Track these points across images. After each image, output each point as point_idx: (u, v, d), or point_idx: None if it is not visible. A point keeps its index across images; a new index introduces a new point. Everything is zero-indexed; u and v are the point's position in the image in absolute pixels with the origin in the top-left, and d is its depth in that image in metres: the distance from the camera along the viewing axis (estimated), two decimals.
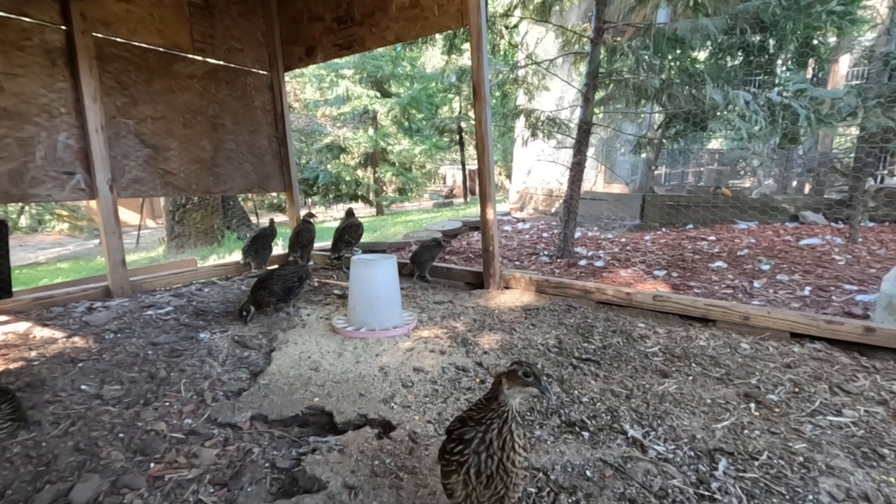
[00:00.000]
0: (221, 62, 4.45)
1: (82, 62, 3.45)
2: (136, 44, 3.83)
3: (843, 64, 8.29)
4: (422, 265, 4.06)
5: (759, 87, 7.37)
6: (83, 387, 2.16)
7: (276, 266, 4.18)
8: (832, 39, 7.87)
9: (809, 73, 8.52)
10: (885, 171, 8.91)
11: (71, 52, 3.44)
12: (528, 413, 1.85)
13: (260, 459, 1.66)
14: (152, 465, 1.62)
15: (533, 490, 1.43)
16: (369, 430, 1.77)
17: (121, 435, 1.79)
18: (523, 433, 1.12)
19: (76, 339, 2.77)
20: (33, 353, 2.55)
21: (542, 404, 1.91)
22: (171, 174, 4.12)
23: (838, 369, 2.17)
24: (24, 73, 3.25)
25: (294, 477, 1.54)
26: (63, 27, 3.41)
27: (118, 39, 3.71)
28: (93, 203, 3.70)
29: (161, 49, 3.99)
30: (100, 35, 3.59)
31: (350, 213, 4.97)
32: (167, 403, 2.03)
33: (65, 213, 14.20)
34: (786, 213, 7.29)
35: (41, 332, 2.87)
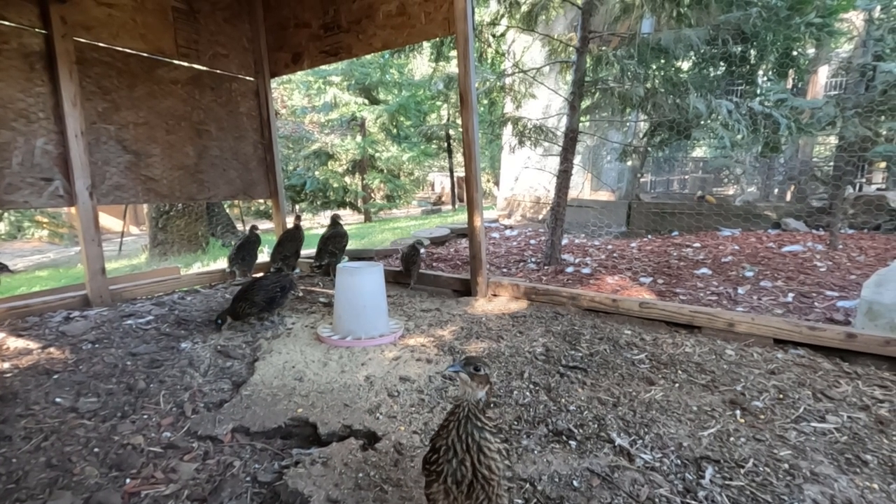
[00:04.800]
0: (206, 68, 4.41)
1: (62, 67, 3.39)
2: (119, 49, 3.77)
3: (822, 75, 8.51)
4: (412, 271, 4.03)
5: (741, 96, 7.53)
6: (57, 399, 2.09)
7: (260, 274, 4.12)
8: (811, 51, 8.09)
9: (790, 83, 8.73)
10: (864, 180, 9.15)
11: (50, 57, 3.37)
12: (516, 422, 1.83)
13: (241, 473, 1.62)
14: (128, 480, 1.57)
15: (520, 501, 1.41)
16: (354, 441, 1.74)
17: (96, 449, 1.73)
18: (490, 436, 1.09)
19: (52, 349, 2.68)
20: (6, 365, 2.46)
21: (530, 413, 1.89)
22: (154, 181, 4.05)
23: (821, 375, 2.19)
24: (1, 77, 3.18)
25: (276, 491, 1.50)
26: (42, 31, 3.35)
27: (100, 44, 3.65)
28: (72, 210, 3.62)
29: (144, 54, 3.94)
30: (81, 39, 3.53)
31: (335, 220, 4.79)
32: (145, 416, 1.97)
33: (45, 219, 13.90)
34: (768, 220, 7.41)
35: (15, 343, 2.78)
